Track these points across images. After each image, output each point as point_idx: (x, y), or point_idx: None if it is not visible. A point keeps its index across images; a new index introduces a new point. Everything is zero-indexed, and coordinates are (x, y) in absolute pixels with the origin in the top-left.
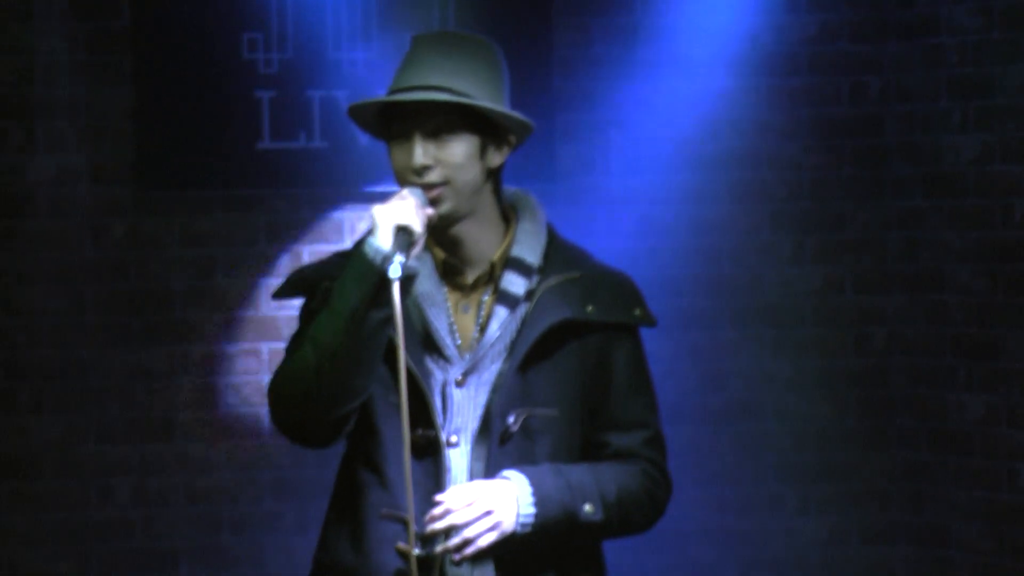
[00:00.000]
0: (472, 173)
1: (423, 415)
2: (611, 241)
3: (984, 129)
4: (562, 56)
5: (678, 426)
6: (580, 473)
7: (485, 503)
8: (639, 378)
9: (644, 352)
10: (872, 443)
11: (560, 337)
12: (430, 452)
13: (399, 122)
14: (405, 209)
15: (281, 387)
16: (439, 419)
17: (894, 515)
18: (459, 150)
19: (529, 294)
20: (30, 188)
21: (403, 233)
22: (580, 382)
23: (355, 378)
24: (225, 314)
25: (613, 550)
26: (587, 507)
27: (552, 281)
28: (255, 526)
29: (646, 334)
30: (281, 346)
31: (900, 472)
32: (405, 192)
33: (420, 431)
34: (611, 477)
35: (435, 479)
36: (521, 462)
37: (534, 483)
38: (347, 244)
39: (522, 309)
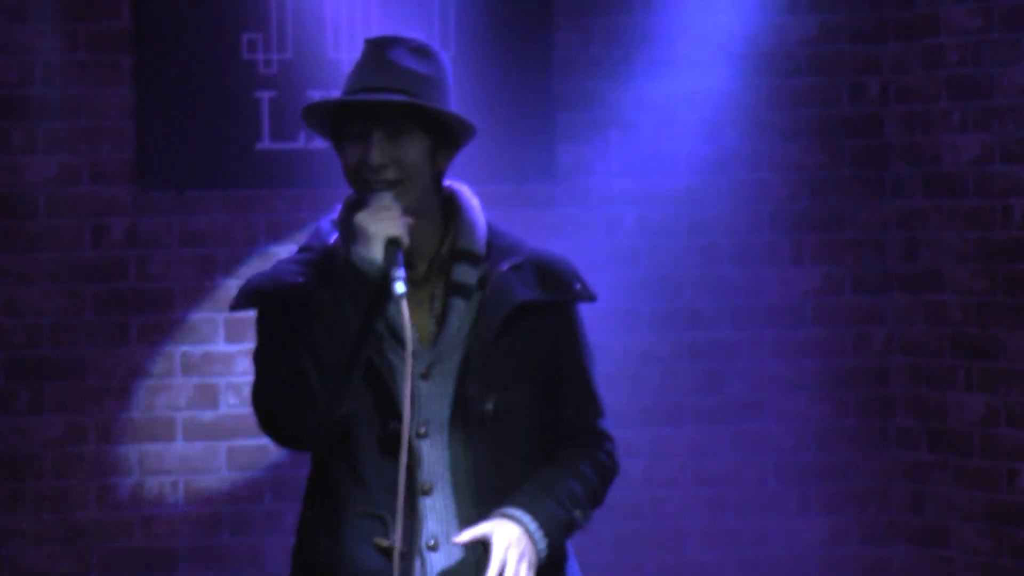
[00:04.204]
0: (424, 173)
1: (391, 409)
2: (611, 241)
3: (984, 129)
4: (562, 56)
5: (678, 426)
6: (562, 483)
7: (517, 551)
8: (585, 351)
9: (583, 323)
10: (872, 443)
11: (515, 320)
12: (398, 445)
13: (356, 122)
14: (393, 219)
15: (277, 402)
16: (407, 412)
17: (894, 515)
18: (414, 150)
19: (481, 282)
20: (30, 188)
21: (393, 245)
22: (536, 361)
23: (351, 382)
24: (225, 314)
25: (612, 551)
26: (577, 513)
27: (501, 268)
28: (255, 526)
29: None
30: None
31: (900, 472)
32: (387, 199)
33: (392, 424)
34: (584, 472)
35: (408, 471)
36: (499, 445)
37: (535, 514)
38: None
39: (476, 297)
